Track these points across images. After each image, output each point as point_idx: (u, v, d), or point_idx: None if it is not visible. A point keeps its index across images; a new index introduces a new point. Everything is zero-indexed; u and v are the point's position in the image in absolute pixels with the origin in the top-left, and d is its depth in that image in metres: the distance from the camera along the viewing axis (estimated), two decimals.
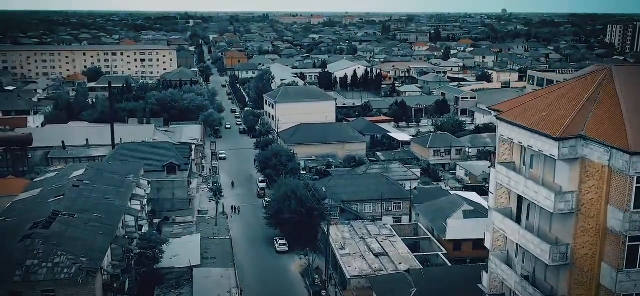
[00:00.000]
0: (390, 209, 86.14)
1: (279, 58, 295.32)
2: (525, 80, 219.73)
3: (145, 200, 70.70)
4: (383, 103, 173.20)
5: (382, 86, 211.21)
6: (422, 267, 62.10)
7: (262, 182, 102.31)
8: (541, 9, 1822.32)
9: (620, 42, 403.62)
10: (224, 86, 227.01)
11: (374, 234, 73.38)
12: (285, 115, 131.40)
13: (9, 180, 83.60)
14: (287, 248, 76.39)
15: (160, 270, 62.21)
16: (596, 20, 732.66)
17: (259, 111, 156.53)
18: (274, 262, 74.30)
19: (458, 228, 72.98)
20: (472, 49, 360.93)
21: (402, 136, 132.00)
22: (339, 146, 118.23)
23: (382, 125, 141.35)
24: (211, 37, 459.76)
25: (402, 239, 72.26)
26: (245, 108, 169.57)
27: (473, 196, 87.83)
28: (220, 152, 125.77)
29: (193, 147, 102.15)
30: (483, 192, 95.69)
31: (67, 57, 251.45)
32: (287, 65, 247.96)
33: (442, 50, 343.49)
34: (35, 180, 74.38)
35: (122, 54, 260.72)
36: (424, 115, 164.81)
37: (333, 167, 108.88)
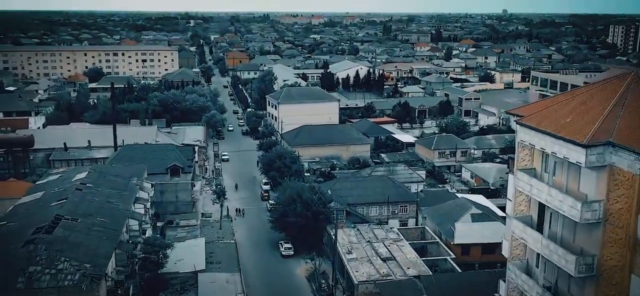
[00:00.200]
0: (396, 212, 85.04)
1: (280, 58, 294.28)
2: (528, 81, 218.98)
3: (149, 203, 69.57)
4: (386, 104, 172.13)
5: (385, 87, 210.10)
6: (431, 273, 61.02)
7: (265, 184, 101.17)
8: (541, 9, 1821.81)
9: (622, 42, 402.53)
10: (225, 87, 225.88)
11: (381, 238, 72.24)
12: (288, 116, 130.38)
13: (10, 183, 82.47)
14: (292, 252, 75.29)
15: (165, 275, 61.06)
16: (597, 20, 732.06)
17: (261, 112, 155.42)
18: (279, 266, 73.18)
19: (466, 232, 71.91)
20: (473, 49, 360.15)
21: (406, 137, 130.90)
22: (343, 148, 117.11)
23: (386, 127, 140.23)
24: (212, 38, 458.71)
25: (409, 243, 71.14)
26: (248, 109, 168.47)
27: (480, 199, 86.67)
28: (223, 153, 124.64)
29: (196, 148, 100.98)
30: (490, 194, 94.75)
31: (68, 57, 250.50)
32: (288, 66, 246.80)
33: (444, 51, 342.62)
34: (37, 182, 73.19)
35: (123, 54, 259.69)
36: (427, 116, 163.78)
37: (337, 168, 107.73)
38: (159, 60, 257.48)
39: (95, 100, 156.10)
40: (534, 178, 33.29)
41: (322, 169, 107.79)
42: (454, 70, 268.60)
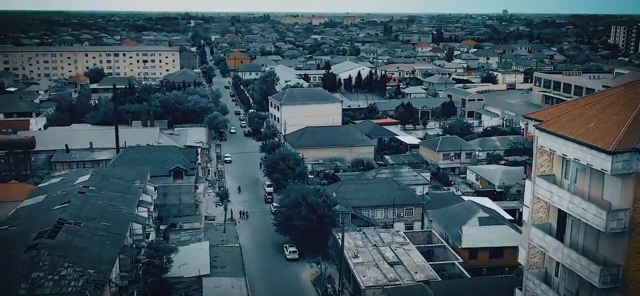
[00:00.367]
0: (401, 215, 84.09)
1: (281, 59, 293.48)
2: (531, 82, 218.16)
3: (152, 206, 68.60)
4: (388, 105, 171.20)
5: (387, 88, 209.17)
6: (439, 278, 60.04)
7: (269, 186, 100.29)
8: (541, 9, 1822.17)
9: (624, 43, 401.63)
10: (227, 87, 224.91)
11: (387, 242, 71.20)
12: (291, 118, 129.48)
13: (11, 185, 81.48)
14: (297, 256, 74.38)
15: (169, 279, 60.15)
16: (597, 21, 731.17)
17: (263, 113, 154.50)
18: (284, 270, 72.23)
19: (474, 235, 70.91)
20: (475, 50, 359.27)
21: (410, 139, 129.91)
22: (347, 149, 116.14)
23: (389, 128, 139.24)
24: (213, 38, 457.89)
25: (415, 247, 70.19)
26: (250, 110, 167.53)
27: (486, 201, 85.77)
28: (226, 155, 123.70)
29: (199, 150, 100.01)
30: (495, 196, 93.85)
31: (68, 57, 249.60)
32: (290, 67, 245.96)
33: (446, 51, 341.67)
34: (39, 185, 72.26)
35: (124, 54, 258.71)
36: (430, 117, 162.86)
37: (341, 170, 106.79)
38: (160, 61, 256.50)
39: (97, 101, 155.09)
40: (555, 185, 32.30)
41: (326, 171, 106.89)
42: (456, 70, 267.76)
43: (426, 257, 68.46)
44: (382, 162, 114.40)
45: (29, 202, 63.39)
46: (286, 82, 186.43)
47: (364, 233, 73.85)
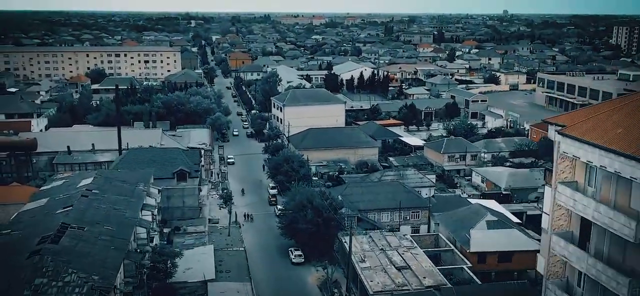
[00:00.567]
0: (408, 218, 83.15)
1: (283, 59, 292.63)
2: (534, 83, 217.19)
3: (156, 210, 67.56)
4: (392, 106, 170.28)
5: (389, 88, 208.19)
6: (448, 282, 59.02)
7: (272, 188, 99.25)
8: (541, 9, 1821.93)
9: (626, 43, 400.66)
10: (228, 88, 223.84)
11: (394, 245, 70.15)
12: (294, 119, 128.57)
13: (13, 188, 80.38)
14: (302, 260, 73.34)
15: (174, 284, 59.13)
16: (598, 21, 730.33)
17: (266, 114, 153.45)
18: (289, 274, 71.21)
19: (482, 239, 69.96)
20: (476, 50, 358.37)
21: (414, 140, 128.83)
22: (351, 151, 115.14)
23: (393, 129, 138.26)
24: (214, 38, 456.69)
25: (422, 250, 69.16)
26: (252, 111, 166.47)
27: (492, 204, 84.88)
28: (229, 156, 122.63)
29: (202, 152, 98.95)
30: (502, 199, 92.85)
31: (69, 58, 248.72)
32: (292, 67, 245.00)
33: (447, 52, 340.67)
34: (42, 188, 71.17)
35: (125, 55, 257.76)
36: (433, 118, 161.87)
37: (345, 173, 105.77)
38: (162, 61, 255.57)
39: (98, 102, 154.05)
40: (579, 193, 31.24)
41: (330, 173, 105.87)
42: (458, 71, 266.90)
43: (434, 261, 67.42)
44: (386, 164, 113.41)
45: (32, 206, 62.39)
46: (288, 82, 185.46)
47: (370, 236, 72.80)
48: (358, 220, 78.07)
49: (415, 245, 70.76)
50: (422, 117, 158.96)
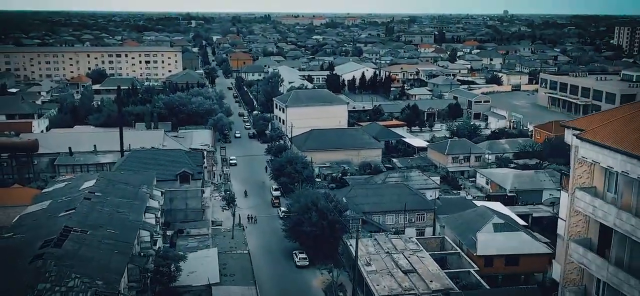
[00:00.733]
0: (413, 221, 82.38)
1: (284, 59, 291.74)
2: (536, 83, 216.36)
3: (160, 212, 66.79)
4: (394, 107, 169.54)
5: (391, 89, 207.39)
6: (455, 286, 58.21)
7: (275, 190, 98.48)
8: (541, 10, 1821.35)
9: (627, 44, 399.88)
10: (229, 88, 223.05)
11: (400, 248, 69.30)
12: (297, 120, 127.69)
13: (14, 189, 79.64)
14: (307, 263, 72.56)
15: (178, 288, 58.35)
16: (599, 21, 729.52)
17: (268, 115, 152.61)
18: (294, 277, 70.40)
19: (489, 242, 69.11)
20: (478, 50, 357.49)
21: (417, 142, 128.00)
22: (354, 152, 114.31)
23: (396, 130, 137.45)
24: (214, 38, 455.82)
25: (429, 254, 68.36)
26: (254, 112, 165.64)
27: (498, 206, 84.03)
28: (231, 158, 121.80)
29: (205, 153, 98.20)
30: (507, 201, 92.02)
31: (70, 58, 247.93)
32: (293, 67, 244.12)
33: (448, 52, 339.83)
34: (44, 191, 70.42)
35: (126, 55, 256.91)
36: (436, 119, 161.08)
37: (349, 174, 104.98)
38: (163, 62, 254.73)
39: (100, 103, 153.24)
40: (599, 199, 30.48)
41: (334, 175, 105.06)
42: (460, 71, 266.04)
43: (440, 264, 66.63)
44: (390, 165, 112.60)
45: (34, 208, 61.63)
46: (290, 83, 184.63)
47: (375, 239, 71.96)
48: (363, 223, 77.10)
49: (421, 248, 69.93)
50: (425, 118, 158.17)
